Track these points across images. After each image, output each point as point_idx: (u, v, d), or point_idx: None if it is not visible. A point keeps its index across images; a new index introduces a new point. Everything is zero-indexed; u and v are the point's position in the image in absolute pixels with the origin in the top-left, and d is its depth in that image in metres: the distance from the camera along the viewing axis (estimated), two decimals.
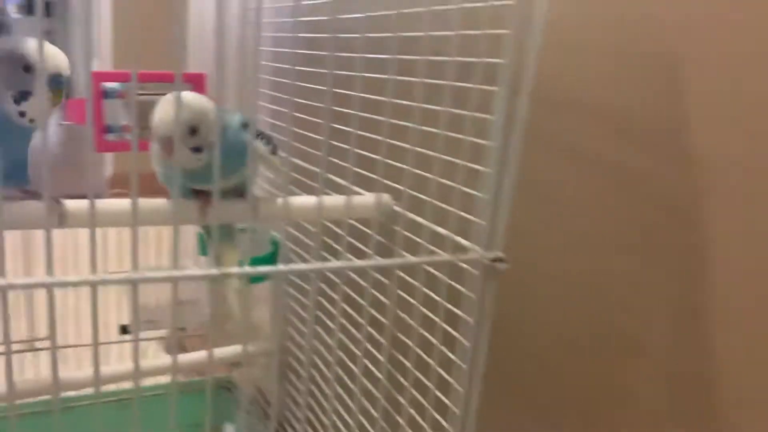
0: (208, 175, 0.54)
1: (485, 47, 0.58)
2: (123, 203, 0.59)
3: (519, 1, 0.55)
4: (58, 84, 0.55)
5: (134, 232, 0.52)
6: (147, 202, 0.60)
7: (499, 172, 0.60)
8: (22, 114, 0.55)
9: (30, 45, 0.54)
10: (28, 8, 4.09)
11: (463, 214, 0.63)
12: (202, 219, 0.62)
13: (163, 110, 0.58)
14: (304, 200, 0.68)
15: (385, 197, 0.69)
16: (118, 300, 1.26)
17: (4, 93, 0.55)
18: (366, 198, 0.70)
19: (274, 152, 0.70)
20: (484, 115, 0.59)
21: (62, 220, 0.58)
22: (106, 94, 1.04)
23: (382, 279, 0.69)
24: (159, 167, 0.65)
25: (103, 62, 2.90)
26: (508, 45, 0.56)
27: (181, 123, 0.56)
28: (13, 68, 0.54)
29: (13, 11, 4.08)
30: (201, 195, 0.63)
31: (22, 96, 0.55)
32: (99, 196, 0.56)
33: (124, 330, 1.36)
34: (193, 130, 0.58)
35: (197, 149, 0.59)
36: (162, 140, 0.58)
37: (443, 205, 0.65)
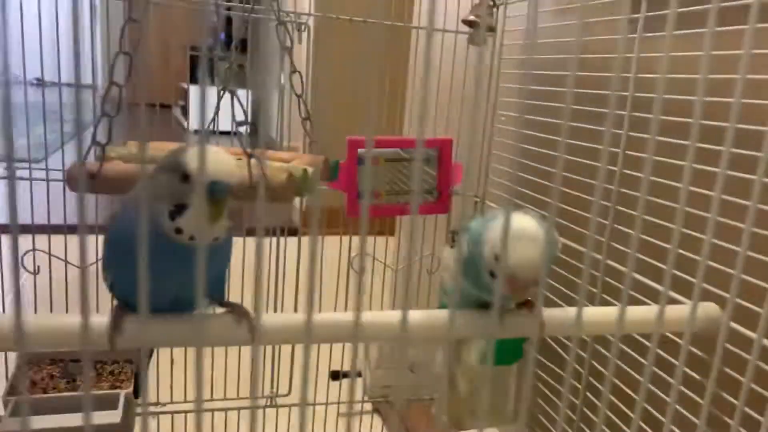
0: None
1: None
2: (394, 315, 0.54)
3: None
4: (218, 194, 0.46)
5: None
6: (433, 315, 0.54)
7: None
8: (178, 230, 0.48)
9: (189, 151, 0.47)
10: (228, 44, 4.51)
11: None
12: (500, 332, 0.54)
13: (526, 251, 0.50)
14: (600, 312, 0.57)
15: (711, 308, 0.55)
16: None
17: (162, 209, 0.48)
18: (682, 308, 0.56)
19: None
20: None
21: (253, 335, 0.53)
22: (360, 161, 1.04)
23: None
24: (462, 281, 0.58)
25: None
26: None
27: (543, 262, 0.48)
28: (170, 179, 0.47)
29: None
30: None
31: (178, 210, 0.47)
32: None
33: (334, 376, 1.35)
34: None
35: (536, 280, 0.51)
36: (519, 282, 0.51)
37: None
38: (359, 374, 1.30)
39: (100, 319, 0.52)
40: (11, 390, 0.95)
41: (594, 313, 0.57)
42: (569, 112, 0.43)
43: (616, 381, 0.67)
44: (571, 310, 0.57)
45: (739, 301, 0.53)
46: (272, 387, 1.25)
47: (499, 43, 1.10)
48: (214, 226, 0.48)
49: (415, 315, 0.54)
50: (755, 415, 0.53)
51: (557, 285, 0.88)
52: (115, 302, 0.55)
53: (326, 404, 1.29)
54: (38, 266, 1.05)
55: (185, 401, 1.18)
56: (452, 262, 0.60)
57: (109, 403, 0.94)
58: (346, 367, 1.40)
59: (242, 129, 0.71)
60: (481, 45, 0.86)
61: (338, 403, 1.31)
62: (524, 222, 0.50)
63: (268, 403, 1.24)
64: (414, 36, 1.33)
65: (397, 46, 1.23)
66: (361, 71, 1.09)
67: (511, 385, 1.04)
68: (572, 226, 0.81)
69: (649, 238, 0.66)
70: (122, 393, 0.94)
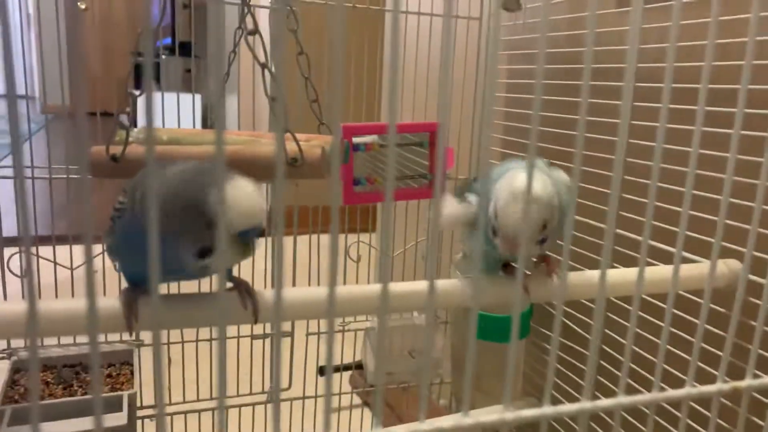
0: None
1: None
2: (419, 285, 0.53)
3: None
4: (249, 240, 0.46)
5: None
6: (453, 283, 0.54)
7: None
8: (203, 268, 0.48)
9: (217, 199, 0.44)
10: (172, 49, 4.38)
11: None
12: (527, 298, 0.54)
13: (516, 210, 0.51)
14: (620, 273, 0.57)
15: (732, 263, 0.56)
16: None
17: (187, 246, 0.46)
18: (702, 266, 0.57)
19: None
20: None
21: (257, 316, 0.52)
22: (355, 148, 1.03)
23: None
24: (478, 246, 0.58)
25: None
26: None
27: (534, 223, 0.48)
28: (194, 221, 0.45)
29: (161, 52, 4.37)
30: (510, 268, 0.55)
31: (205, 253, 0.46)
32: None
33: (321, 372, 1.34)
34: (544, 226, 0.51)
35: (543, 240, 0.52)
36: (512, 239, 0.51)
37: None
38: (360, 365, 1.29)
39: (112, 302, 0.50)
40: (5, 399, 0.92)
41: (614, 274, 0.57)
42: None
43: (636, 348, 0.68)
44: (592, 273, 0.57)
45: (757, 254, 0.54)
46: (272, 382, 1.24)
47: (486, 26, 1.11)
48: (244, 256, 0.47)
49: (440, 284, 0.54)
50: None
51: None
52: (123, 283, 0.53)
53: (315, 398, 1.28)
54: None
55: (184, 401, 1.16)
56: (460, 218, 0.59)
57: (111, 406, 0.91)
58: (336, 362, 1.40)
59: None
60: (516, 10, 0.86)
61: (341, 394, 1.30)
62: (523, 181, 0.50)
63: (269, 399, 1.23)
64: (388, 20, 1.33)
65: (368, 31, 1.22)
66: (337, 58, 1.07)
67: (519, 361, 1.05)
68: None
69: (658, 203, 0.67)
70: (125, 394, 0.91)
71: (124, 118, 0.67)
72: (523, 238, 0.48)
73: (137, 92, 0.70)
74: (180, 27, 4.09)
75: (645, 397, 0.45)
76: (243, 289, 0.53)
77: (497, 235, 0.52)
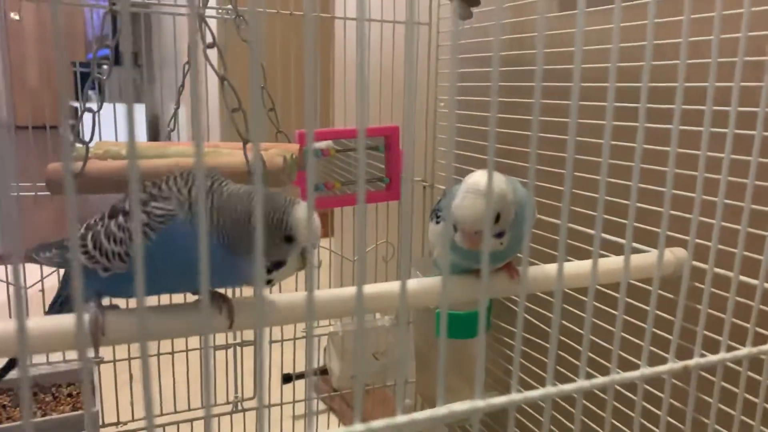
0: (500, 255, 0.49)
1: None
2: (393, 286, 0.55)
3: None
4: (311, 253, 0.50)
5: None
6: (424, 282, 0.55)
7: None
8: (269, 282, 0.52)
9: (295, 217, 0.50)
10: (114, 59, 4.26)
11: None
12: (486, 294, 0.56)
13: (469, 203, 0.53)
14: (575, 266, 0.61)
15: (678, 252, 0.59)
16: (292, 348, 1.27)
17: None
18: (651, 255, 0.61)
19: None
20: None
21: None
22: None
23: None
24: (450, 254, 0.60)
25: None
26: None
27: (486, 211, 0.51)
28: (272, 238, 0.50)
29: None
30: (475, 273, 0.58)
31: (276, 266, 0.51)
32: None
33: (286, 379, 1.35)
34: (497, 218, 0.53)
35: (499, 234, 0.54)
36: (470, 233, 0.53)
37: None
38: (324, 371, 1.30)
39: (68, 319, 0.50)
40: None
41: (570, 267, 0.60)
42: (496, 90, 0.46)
43: (594, 338, 0.72)
44: (549, 266, 0.60)
45: (699, 241, 0.58)
46: (236, 392, 1.23)
47: (435, 31, 1.14)
48: None
49: (411, 283, 0.55)
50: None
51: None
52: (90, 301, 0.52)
53: (281, 405, 1.28)
54: None
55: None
56: (435, 237, 0.62)
57: (72, 426, 0.89)
58: (299, 369, 1.40)
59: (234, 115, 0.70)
60: (468, 18, 0.89)
61: (304, 400, 1.30)
62: (480, 177, 0.53)
63: (235, 408, 1.22)
64: (339, 27, 1.34)
65: (318, 38, 1.23)
66: (291, 65, 1.09)
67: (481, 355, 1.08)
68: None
69: (607, 197, 0.70)
70: (86, 414, 0.90)
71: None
72: (480, 227, 0.50)
73: (90, 105, 0.69)
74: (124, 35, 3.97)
75: (604, 379, 0.48)
76: (216, 295, 0.54)
77: (457, 233, 0.54)
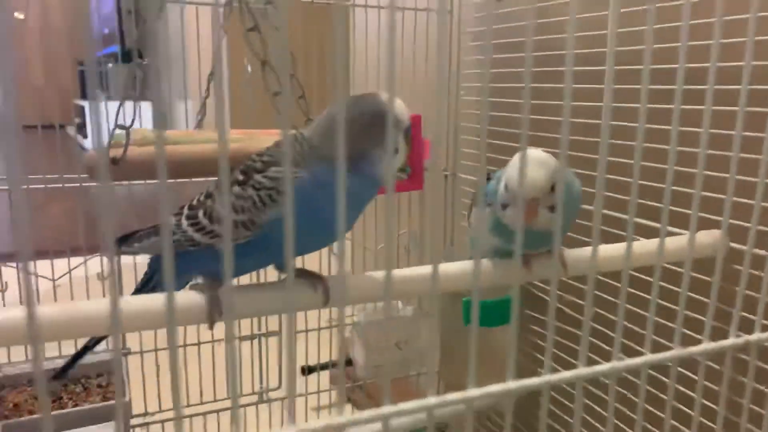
0: (546, 237, 0.49)
1: None
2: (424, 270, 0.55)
3: None
4: (410, 133, 0.53)
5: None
6: (452, 267, 0.56)
7: None
8: (380, 178, 0.52)
9: (384, 100, 0.51)
10: (121, 56, 4.25)
11: None
12: (526, 277, 0.56)
13: (528, 171, 0.53)
14: (610, 249, 0.60)
15: (717, 234, 0.59)
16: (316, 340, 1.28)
17: (379, 154, 0.51)
18: (684, 238, 0.60)
19: None
20: None
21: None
22: None
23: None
24: (490, 233, 0.60)
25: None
26: None
27: (544, 182, 0.50)
28: (380, 127, 0.49)
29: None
30: (526, 258, 0.58)
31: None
32: None
33: (308, 371, 1.35)
34: (552, 188, 0.53)
35: (552, 207, 0.53)
36: (528, 202, 0.53)
37: None
38: (349, 362, 1.30)
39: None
40: None
41: (604, 249, 0.60)
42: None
43: (627, 324, 0.71)
44: (584, 250, 0.60)
45: (733, 221, 0.57)
46: (261, 382, 1.24)
47: (458, 16, 1.13)
48: None
49: (444, 267, 0.55)
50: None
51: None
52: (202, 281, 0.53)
53: (306, 395, 1.29)
54: (6, 282, 1.00)
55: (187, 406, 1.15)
56: (482, 222, 0.62)
57: (104, 416, 0.90)
58: (316, 361, 1.41)
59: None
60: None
61: (325, 391, 1.31)
62: (533, 152, 0.53)
63: (260, 399, 1.23)
64: (357, 14, 1.34)
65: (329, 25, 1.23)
66: (314, 54, 1.09)
67: (505, 344, 1.08)
68: None
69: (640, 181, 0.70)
70: (116, 404, 0.91)
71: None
72: (539, 194, 0.50)
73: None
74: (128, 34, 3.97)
75: (637, 360, 0.48)
76: (309, 273, 0.54)
77: (508, 208, 0.54)
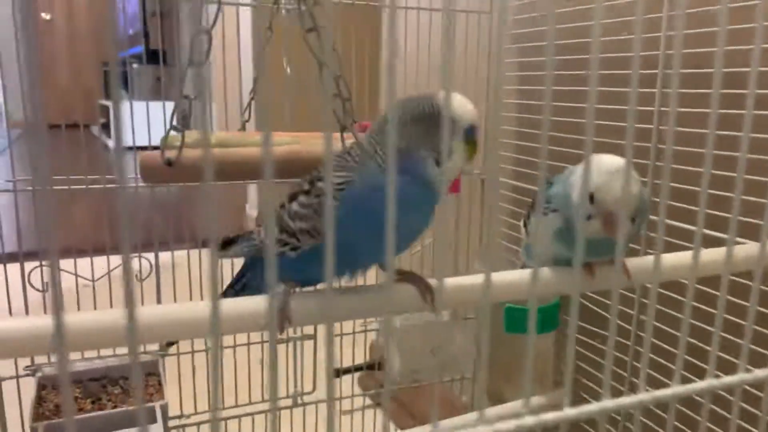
0: (610, 247, 0.47)
1: None
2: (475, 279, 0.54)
3: None
4: (474, 135, 0.49)
5: None
6: (517, 273, 0.54)
7: None
8: (440, 181, 0.49)
9: (441, 98, 0.48)
10: (145, 57, 4.25)
11: None
12: (590, 286, 0.54)
13: (616, 184, 0.50)
14: (675, 257, 0.58)
15: None
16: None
17: (427, 155, 0.48)
18: (750, 247, 0.58)
19: None
20: None
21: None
22: None
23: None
24: (552, 241, 0.58)
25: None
26: None
27: (635, 197, 0.49)
28: (432, 127, 0.48)
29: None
30: (588, 267, 0.56)
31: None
32: None
33: (336, 374, 1.34)
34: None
35: (634, 220, 0.52)
36: (613, 217, 0.51)
37: None
38: (370, 366, 1.29)
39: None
40: (37, 416, 0.90)
41: (668, 258, 0.58)
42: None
43: (691, 339, 0.69)
44: (645, 258, 0.58)
45: None
46: (296, 386, 1.23)
47: (499, 19, 1.11)
48: None
49: (498, 276, 0.54)
50: None
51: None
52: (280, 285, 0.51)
53: (341, 399, 1.28)
54: (47, 283, 1.00)
55: (225, 407, 1.15)
56: (543, 228, 0.60)
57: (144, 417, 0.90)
58: (345, 365, 1.40)
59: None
60: None
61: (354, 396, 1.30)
62: (613, 160, 0.51)
63: (295, 402, 1.22)
64: (386, 16, 1.32)
65: (364, 27, 1.21)
66: (352, 55, 1.08)
67: (550, 352, 1.06)
68: None
69: (692, 187, 0.68)
70: (157, 405, 0.90)
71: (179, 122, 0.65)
72: (622, 214, 0.47)
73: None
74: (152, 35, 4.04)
75: (700, 385, 0.46)
76: (416, 278, 0.52)
77: (593, 220, 0.52)
